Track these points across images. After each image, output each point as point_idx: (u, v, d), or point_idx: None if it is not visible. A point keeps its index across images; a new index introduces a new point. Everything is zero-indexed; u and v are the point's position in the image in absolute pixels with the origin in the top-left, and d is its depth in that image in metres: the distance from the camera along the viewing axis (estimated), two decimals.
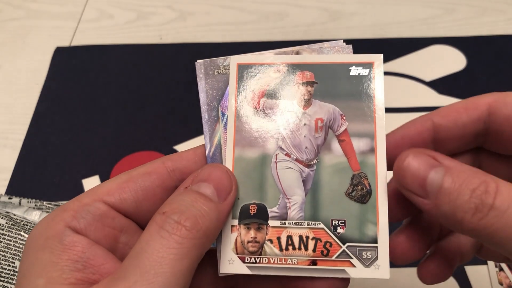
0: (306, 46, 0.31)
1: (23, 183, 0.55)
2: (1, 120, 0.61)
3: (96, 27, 0.71)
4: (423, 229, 0.31)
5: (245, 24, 0.70)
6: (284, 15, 0.71)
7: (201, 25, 0.70)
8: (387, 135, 0.29)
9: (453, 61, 0.63)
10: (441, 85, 0.61)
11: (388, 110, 0.58)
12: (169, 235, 0.24)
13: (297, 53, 0.30)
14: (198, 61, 0.32)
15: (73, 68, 0.66)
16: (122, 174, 0.29)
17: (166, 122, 0.59)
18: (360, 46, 0.63)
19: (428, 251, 0.33)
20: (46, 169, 0.56)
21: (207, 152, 0.30)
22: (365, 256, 0.27)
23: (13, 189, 0.54)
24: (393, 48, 0.65)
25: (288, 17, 0.70)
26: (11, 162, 0.57)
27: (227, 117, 0.30)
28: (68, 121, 0.60)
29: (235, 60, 0.31)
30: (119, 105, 0.62)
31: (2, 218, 0.47)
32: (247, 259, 0.28)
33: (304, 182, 0.29)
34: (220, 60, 0.31)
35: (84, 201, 0.27)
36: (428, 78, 0.61)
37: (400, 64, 0.63)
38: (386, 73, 0.62)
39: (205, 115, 0.31)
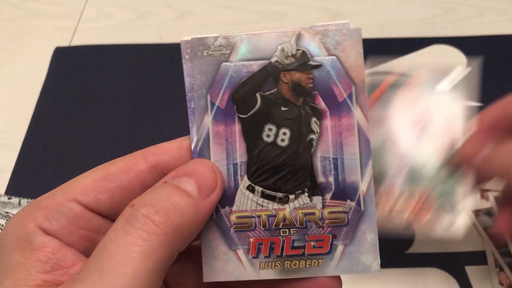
0: (309, 26, 0.28)
1: (23, 183, 0.55)
2: (1, 120, 0.61)
3: (95, 27, 0.70)
4: None
5: (245, 24, 0.70)
6: (284, 15, 0.71)
7: (201, 25, 0.70)
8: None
9: (453, 61, 0.63)
10: None
11: None
12: (135, 231, 0.22)
13: (299, 34, 0.28)
14: (183, 38, 0.28)
15: (73, 68, 0.65)
16: (99, 168, 0.27)
17: (166, 122, 0.59)
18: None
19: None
20: (46, 169, 0.56)
21: (193, 146, 0.27)
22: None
23: (12, 189, 0.54)
24: (393, 48, 0.65)
25: (288, 17, 0.70)
26: (11, 162, 0.56)
27: (217, 107, 0.28)
28: (68, 121, 0.60)
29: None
30: (119, 105, 0.61)
31: (1, 218, 0.47)
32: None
33: None
34: (210, 39, 0.28)
35: (58, 200, 0.25)
36: None
37: (400, 64, 0.63)
38: (386, 73, 0.62)
39: (191, 104, 0.28)
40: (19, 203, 0.50)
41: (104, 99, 0.62)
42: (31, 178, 0.55)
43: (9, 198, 0.50)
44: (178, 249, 0.23)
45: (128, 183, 0.26)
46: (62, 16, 0.72)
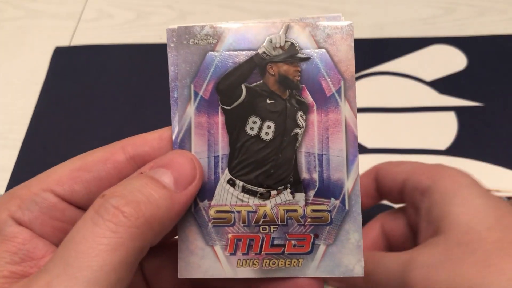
0: (299, 18, 0.27)
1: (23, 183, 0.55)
2: (0, 120, 0.61)
3: (95, 26, 0.70)
4: None
5: None
6: (284, 15, 0.70)
7: None
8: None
9: (453, 61, 0.63)
10: (442, 85, 0.60)
11: (388, 110, 0.58)
12: (103, 222, 0.21)
13: (288, 26, 0.27)
14: (169, 26, 0.27)
15: (73, 68, 0.65)
16: (76, 158, 0.26)
17: (166, 122, 0.59)
18: (360, 46, 0.63)
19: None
20: (46, 169, 0.56)
21: (174, 136, 0.27)
22: None
23: None
24: (393, 48, 0.65)
25: (288, 17, 0.70)
26: (11, 162, 0.56)
27: (201, 97, 0.27)
28: (68, 121, 0.60)
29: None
30: (119, 105, 0.61)
31: None
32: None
33: None
34: (196, 27, 0.27)
35: (33, 190, 0.25)
36: (428, 78, 0.61)
37: (400, 64, 0.63)
38: (386, 73, 0.62)
39: (174, 93, 0.27)
40: None
41: (104, 99, 0.62)
42: (31, 178, 0.55)
43: None
44: (149, 242, 0.23)
45: (106, 174, 0.25)
46: (62, 16, 0.71)
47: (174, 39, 0.27)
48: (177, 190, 0.24)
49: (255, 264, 0.26)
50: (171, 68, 0.27)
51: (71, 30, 0.70)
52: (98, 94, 0.62)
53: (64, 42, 0.68)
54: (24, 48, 0.68)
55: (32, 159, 0.57)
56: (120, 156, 0.26)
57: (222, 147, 0.27)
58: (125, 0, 0.73)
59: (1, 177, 0.55)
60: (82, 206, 0.26)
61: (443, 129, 0.55)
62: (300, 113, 0.27)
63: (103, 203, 0.22)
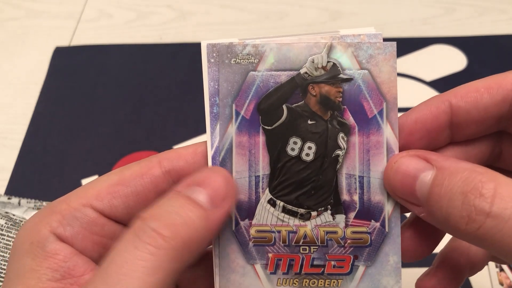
0: (340, 36, 0.26)
1: (23, 183, 0.54)
2: (0, 120, 0.60)
3: (95, 26, 0.70)
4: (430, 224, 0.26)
5: (245, 24, 0.69)
6: (284, 15, 0.70)
7: (201, 25, 0.70)
8: (399, 118, 0.26)
9: (453, 61, 0.63)
10: (442, 85, 0.60)
11: None
12: (143, 245, 0.21)
13: (330, 46, 0.26)
14: (208, 42, 0.26)
15: (73, 68, 0.65)
16: (114, 172, 0.26)
17: (166, 122, 0.59)
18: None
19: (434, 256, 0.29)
20: (46, 169, 0.56)
21: (212, 154, 0.27)
22: None
23: (12, 189, 0.54)
24: None
25: (288, 17, 0.70)
26: (11, 162, 0.56)
27: (242, 117, 0.26)
28: (68, 120, 0.60)
29: None
30: (119, 105, 0.61)
31: (1, 218, 0.47)
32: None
33: None
34: (238, 47, 0.26)
35: (72, 205, 0.25)
36: (428, 78, 0.61)
37: (401, 64, 0.63)
38: None
39: (213, 110, 0.26)
40: (19, 203, 0.49)
41: (104, 99, 0.62)
42: (31, 178, 0.55)
43: (9, 198, 0.50)
44: (186, 262, 0.23)
45: (143, 189, 0.26)
46: (62, 16, 0.71)
47: (214, 55, 0.26)
48: (213, 208, 0.24)
49: (295, 284, 0.26)
50: (210, 84, 0.26)
51: (71, 30, 0.69)
52: (98, 94, 0.62)
53: (64, 42, 0.68)
54: (24, 48, 0.68)
55: (32, 159, 0.57)
56: (157, 170, 0.26)
57: (263, 167, 0.27)
58: (125, 0, 0.73)
59: (1, 177, 0.55)
60: (120, 221, 0.26)
61: None
62: (341, 134, 0.27)
63: (142, 226, 0.22)
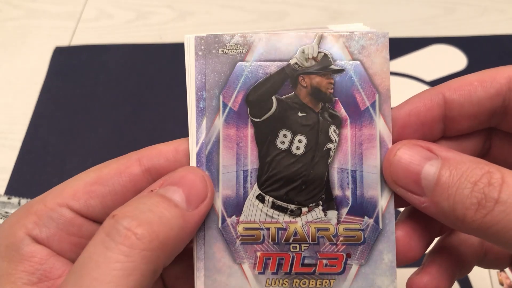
0: (332, 28, 0.26)
1: (22, 183, 0.54)
2: (0, 120, 0.60)
3: (95, 26, 0.70)
4: (423, 222, 0.26)
5: (245, 24, 0.69)
6: (284, 14, 0.70)
7: (201, 25, 0.70)
8: (392, 111, 0.26)
9: (453, 61, 0.63)
10: None
11: None
12: (115, 245, 0.20)
13: (321, 36, 0.25)
14: (195, 35, 0.25)
15: (73, 67, 0.65)
16: (92, 170, 0.25)
17: (166, 122, 0.59)
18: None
19: (424, 257, 0.29)
20: (45, 169, 0.56)
21: (198, 149, 0.25)
22: None
23: (12, 189, 0.53)
24: (393, 48, 0.64)
25: (288, 17, 0.70)
26: (10, 162, 0.56)
27: (230, 108, 0.25)
28: (68, 120, 0.60)
29: None
30: (119, 105, 0.61)
31: (1, 218, 0.47)
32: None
33: None
34: (226, 36, 0.25)
35: (48, 205, 0.24)
36: (428, 78, 0.61)
37: (401, 64, 0.62)
38: None
39: (199, 104, 0.25)
40: (19, 203, 0.49)
41: (104, 99, 0.62)
42: (31, 178, 0.55)
43: (8, 198, 0.50)
44: (163, 264, 0.22)
45: (121, 188, 0.25)
46: (62, 16, 0.71)
47: (202, 47, 0.25)
48: (189, 208, 0.23)
49: (285, 284, 0.25)
50: (197, 77, 0.25)
51: (71, 30, 0.69)
52: (98, 94, 0.62)
53: (64, 42, 0.68)
54: (24, 48, 0.68)
55: (32, 159, 0.56)
56: (136, 168, 0.25)
57: (251, 161, 0.26)
58: (125, 0, 0.73)
59: (1, 177, 0.55)
60: (98, 221, 0.25)
61: None
62: (333, 127, 0.26)
63: (114, 224, 0.21)
